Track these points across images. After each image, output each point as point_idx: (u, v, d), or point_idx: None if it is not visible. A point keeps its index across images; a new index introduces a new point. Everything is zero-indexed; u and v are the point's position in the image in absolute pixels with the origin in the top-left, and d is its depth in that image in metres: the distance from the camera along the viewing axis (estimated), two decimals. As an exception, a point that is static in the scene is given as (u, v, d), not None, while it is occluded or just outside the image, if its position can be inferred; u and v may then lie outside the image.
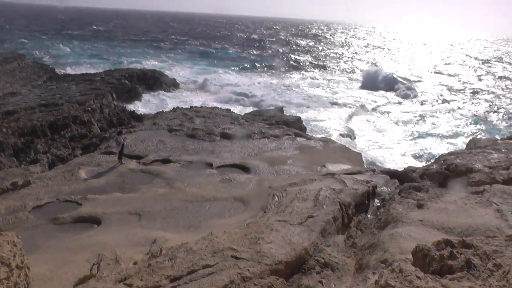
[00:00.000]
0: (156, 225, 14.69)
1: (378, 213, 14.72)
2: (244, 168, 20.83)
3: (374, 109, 57.98)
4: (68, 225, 15.06)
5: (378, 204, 16.75)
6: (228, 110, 36.42)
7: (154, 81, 58.97)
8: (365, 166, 23.61)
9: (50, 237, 14.15)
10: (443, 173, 16.93)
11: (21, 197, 17.40)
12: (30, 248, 13.10)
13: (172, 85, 61.54)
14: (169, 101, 53.17)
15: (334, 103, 58.49)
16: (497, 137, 33.72)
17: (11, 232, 14.60)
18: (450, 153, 20.90)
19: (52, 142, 27.96)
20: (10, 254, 8.76)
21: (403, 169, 21.07)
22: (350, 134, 41.03)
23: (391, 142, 41.04)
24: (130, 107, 43.76)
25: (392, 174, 19.93)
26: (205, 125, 28.94)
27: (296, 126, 31.57)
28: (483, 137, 33.74)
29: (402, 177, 19.37)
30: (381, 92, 70.66)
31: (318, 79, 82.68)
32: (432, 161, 25.60)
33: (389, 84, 74.94)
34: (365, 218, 15.10)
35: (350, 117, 50.68)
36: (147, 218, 15.23)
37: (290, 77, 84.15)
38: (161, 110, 36.72)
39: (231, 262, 9.21)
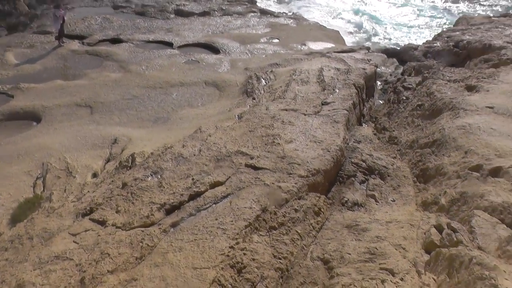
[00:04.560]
0: (114, 119, 11.74)
1: (391, 98, 12.30)
2: (212, 48, 17.73)
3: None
4: (-3, 124, 11.84)
5: (381, 87, 14.40)
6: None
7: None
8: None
9: (-25, 140, 11.00)
10: (452, 51, 14.50)
11: None
12: None
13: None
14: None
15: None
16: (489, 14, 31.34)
17: None
18: (452, 29, 18.35)
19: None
20: None
21: (402, 46, 18.58)
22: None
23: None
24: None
25: (389, 52, 17.46)
26: (156, 1, 25.14)
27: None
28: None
29: (401, 55, 16.94)
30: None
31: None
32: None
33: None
34: (376, 104, 12.75)
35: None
36: (100, 111, 12.20)
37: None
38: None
39: (250, 175, 6.56)
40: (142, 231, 5.40)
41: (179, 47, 17.84)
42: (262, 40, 19.13)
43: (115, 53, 16.78)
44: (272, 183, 6.34)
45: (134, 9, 23.59)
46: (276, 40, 19.29)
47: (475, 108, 8.43)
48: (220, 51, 17.44)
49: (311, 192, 6.48)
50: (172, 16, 22.68)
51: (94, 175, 8.57)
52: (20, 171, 9.01)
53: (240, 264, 4.69)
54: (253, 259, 4.81)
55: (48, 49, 17.20)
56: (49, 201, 7.74)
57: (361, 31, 26.52)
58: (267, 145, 7.61)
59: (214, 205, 5.88)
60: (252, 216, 5.49)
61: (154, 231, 5.35)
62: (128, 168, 7.66)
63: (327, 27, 23.36)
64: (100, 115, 11.93)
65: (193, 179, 6.47)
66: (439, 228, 5.10)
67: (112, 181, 7.16)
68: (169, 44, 18.03)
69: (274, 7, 29.64)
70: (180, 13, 23.21)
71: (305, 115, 9.38)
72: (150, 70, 15.10)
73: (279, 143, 7.69)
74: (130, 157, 8.08)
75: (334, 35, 21.26)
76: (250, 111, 10.12)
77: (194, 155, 7.33)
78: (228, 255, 4.76)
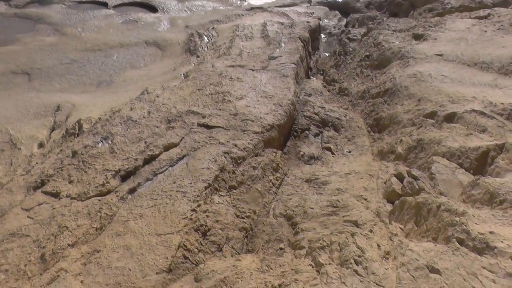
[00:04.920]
0: (54, 85, 11.26)
1: (336, 50, 12.37)
2: (149, 7, 17.10)
3: None
4: None
5: (326, 40, 14.44)
6: None
7: None
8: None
9: None
10: (395, 1, 14.59)
11: None
12: None
13: None
14: None
15: None
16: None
17: None
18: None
19: None
20: None
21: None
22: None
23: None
24: None
25: (331, 4, 17.39)
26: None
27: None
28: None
29: (343, 8, 16.92)
30: None
31: None
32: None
33: None
34: (322, 57, 12.80)
35: None
36: (39, 78, 11.66)
37: None
38: None
39: (203, 134, 6.50)
40: (99, 200, 5.33)
41: (114, 6, 17.09)
42: (200, -4, 18.63)
43: (47, 15, 15.92)
44: (227, 141, 6.36)
45: (61, -34, 22.20)
46: (214, -3, 18.83)
47: (424, 56, 8.64)
48: (158, 9, 16.87)
49: (267, 148, 6.56)
50: (104, -27, 21.57)
51: (41, 145, 8.28)
52: (-41, 147, 8.61)
53: (204, 227, 4.73)
54: (217, 221, 4.87)
55: (-28, 14, 16.15)
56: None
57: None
58: (218, 103, 7.57)
59: (170, 168, 5.85)
60: (211, 176, 5.52)
61: (112, 199, 5.29)
62: (76, 135, 7.44)
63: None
64: (39, 82, 11.41)
65: (145, 142, 6.39)
66: (400, 177, 5.25)
67: (61, 150, 6.96)
68: (104, 4, 17.23)
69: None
70: (111, -31, 22.07)
71: (253, 70, 9.36)
72: (87, 32, 14.48)
73: (230, 100, 7.67)
74: (77, 123, 7.83)
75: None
76: (196, 70, 9.97)
77: (144, 117, 7.21)
78: (191, 219, 4.79)
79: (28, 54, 12.89)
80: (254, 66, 9.61)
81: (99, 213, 5.09)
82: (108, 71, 11.96)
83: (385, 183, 5.40)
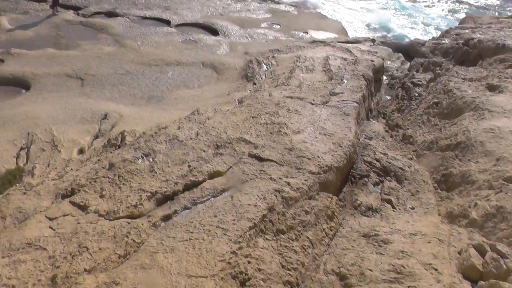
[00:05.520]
0: (105, 93, 11.04)
1: (399, 94, 11.66)
2: (210, 29, 16.98)
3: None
4: (-16, 88, 11.15)
5: (387, 82, 13.77)
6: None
7: None
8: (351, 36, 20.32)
9: (-42, 104, 10.31)
10: (462, 49, 13.83)
11: None
12: None
13: None
14: None
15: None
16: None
17: None
18: (460, 27, 17.62)
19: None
20: None
21: (409, 41, 17.91)
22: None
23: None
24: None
25: (395, 46, 16.79)
26: (155, -22, 24.23)
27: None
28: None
29: (408, 50, 16.26)
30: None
31: None
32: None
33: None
34: (383, 100, 12.12)
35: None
36: (92, 84, 11.49)
37: None
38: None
39: (254, 167, 5.89)
40: (128, 223, 4.74)
41: (177, 25, 17.09)
42: (262, 25, 18.44)
43: (110, 26, 16.03)
44: (280, 178, 5.69)
45: (131, -15, 22.67)
46: (277, 26, 18.61)
47: (501, 109, 7.77)
48: (219, 33, 16.73)
49: (322, 192, 5.86)
50: (170, -6, 21.87)
51: (81, 151, 7.94)
52: (3, 139, 8.42)
53: (243, 274, 4.03)
54: (259, 269, 4.15)
55: (42, 17, 16.51)
56: (31, 175, 7.13)
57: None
58: (273, 134, 6.96)
59: (212, 198, 5.22)
60: (257, 215, 4.85)
61: (142, 224, 4.69)
62: (117, 147, 6.99)
63: (329, 16, 22.77)
64: (91, 88, 11.23)
65: (189, 166, 5.80)
66: (480, 249, 4.43)
67: (99, 160, 6.49)
68: (167, 22, 17.28)
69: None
70: (178, -9, 22.38)
71: (312, 104, 8.75)
72: (146, 46, 14.38)
73: (286, 133, 7.04)
74: (120, 135, 7.40)
75: (336, 26, 20.62)
76: (252, 96, 9.48)
77: (191, 138, 6.67)
78: (229, 263, 4.11)
79: (86, 60, 12.84)
80: (314, 100, 9.01)
81: (125, 238, 4.49)
82: (161, 87, 11.67)
83: (459, 254, 4.58)
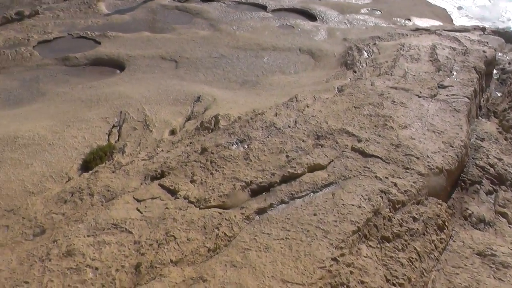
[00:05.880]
0: (199, 76, 10.79)
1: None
2: (308, 15, 16.27)
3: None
4: (82, 68, 11.35)
5: (498, 76, 12.37)
6: None
7: None
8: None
9: (58, 81, 10.58)
10: None
11: (25, 28, 13.62)
12: (32, 95, 9.90)
13: None
14: None
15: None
16: None
17: (11, 70, 11.46)
18: None
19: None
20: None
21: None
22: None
23: None
24: None
25: (509, 36, 15.15)
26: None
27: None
28: None
29: (523, 41, 14.65)
30: None
31: None
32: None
33: None
34: (493, 96, 10.86)
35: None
36: (186, 67, 11.30)
37: None
38: None
39: (357, 162, 5.23)
40: (220, 213, 4.28)
41: (273, 10, 16.54)
42: (362, 11, 17.38)
43: (205, 10, 15.86)
44: (385, 177, 4.99)
45: (226, -29, 22.51)
46: (378, 12, 17.48)
47: None
48: (317, 18, 15.97)
49: (430, 197, 5.08)
50: (267, -20, 21.39)
51: (172, 132, 7.67)
52: (97, 117, 8.40)
53: (345, 287, 3.43)
54: (361, 282, 3.51)
55: (138, 2, 16.71)
56: (122, 152, 6.99)
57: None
58: (377, 128, 6.24)
59: (312, 194, 4.63)
60: (361, 218, 4.20)
61: (235, 216, 4.21)
62: (210, 130, 6.60)
63: (432, 3, 21.14)
64: (185, 71, 11.03)
65: (287, 156, 5.25)
66: None
67: (191, 142, 6.13)
68: (263, 7, 16.78)
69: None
70: (274, -23, 21.86)
71: (419, 97, 7.88)
72: (241, 30, 14.00)
73: (391, 127, 6.28)
74: (214, 118, 7.02)
75: (441, 13, 19.02)
76: (353, 85, 8.75)
77: (289, 126, 6.11)
78: (329, 271, 3.50)
79: (180, 43, 12.71)
80: (420, 92, 8.12)
81: (216, 230, 4.03)
82: (256, 71, 11.23)
83: None
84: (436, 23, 16.59)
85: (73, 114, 8.61)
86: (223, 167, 5.13)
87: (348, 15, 16.47)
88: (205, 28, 14.29)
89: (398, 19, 16.67)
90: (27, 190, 6.41)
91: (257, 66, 11.54)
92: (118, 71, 11.24)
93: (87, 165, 6.88)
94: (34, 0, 16.83)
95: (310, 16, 16.15)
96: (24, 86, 10.33)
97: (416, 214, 4.65)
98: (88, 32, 13.25)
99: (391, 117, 6.71)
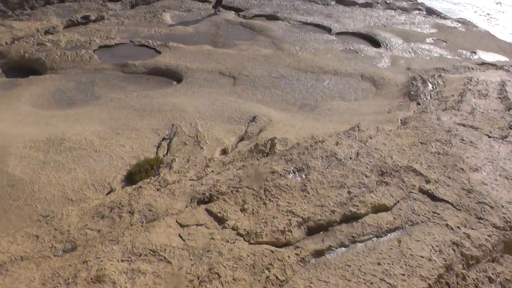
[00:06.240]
0: (256, 95, 10.40)
1: None
2: (372, 40, 15.71)
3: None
4: (139, 76, 11.24)
5: None
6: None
7: None
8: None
9: (114, 87, 10.49)
10: None
11: (89, 32, 13.75)
12: (86, 97, 9.81)
13: None
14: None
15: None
16: None
17: (68, 71, 11.46)
18: None
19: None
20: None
21: None
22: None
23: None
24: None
25: None
26: (318, -13, 23.63)
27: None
28: None
29: None
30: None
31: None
32: None
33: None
34: None
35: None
36: (244, 84, 10.96)
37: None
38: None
39: (426, 206, 4.60)
40: (272, 251, 3.75)
41: (337, 33, 16.08)
42: (427, 40, 16.65)
43: (269, 29, 15.58)
44: (457, 226, 4.33)
45: (294, -9, 22.29)
46: (443, 43, 16.69)
47: None
48: (381, 44, 15.37)
49: (506, 254, 4.38)
50: (333, 3, 20.94)
51: (224, 152, 7.28)
52: (148, 127, 8.15)
53: None
54: None
55: (204, 15, 16.67)
56: (169, 167, 6.63)
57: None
58: (447, 168, 5.58)
59: (375, 238, 4.04)
60: (432, 274, 3.58)
61: (289, 256, 3.67)
62: (265, 154, 6.12)
63: (499, 37, 20.11)
64: (243, 88, 10.68)
65: (349, 192, 4.68)
66: None
67: (243, 165, 5.66)
68: (327, 29, 16.36)
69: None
70: (341, 1, 21.43)
71: (489, 137, 7.19)
72: (304, 51, 13.59)
73: (462, 169, 5.61)
74: (270, 141, 6.53)
75: (507, 48, 18.00)
76: (417, 118, 8.12)
77: (351, 158, 5.55)
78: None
79: (241, 60, 12.43)
80: (490, 132, 7.44)
81: (266, 271, 3.51)
82: (315, 95, 10.74)
83: None
84: (502, 58, 15.70)
85: (124, 122, 8.39)
86: (277, 198, 4.61)
87: (412, 44, 15.79)
88: (267, 46, 13.98)
89: (464, 51, 15.85)
90: (66, 196, 6.16)
91: (317, 89, 11.06)
92: (175, 83, 11.05)
93: (131, 177, 6.58)
94: (102, 6, 17.16)
95: (374, 42, 15.58)
96: (79, 88, 10.28)
97: (492, 274, 3.98)
98: (150, 41, 13.20)
99: (460, 157, 6.05)
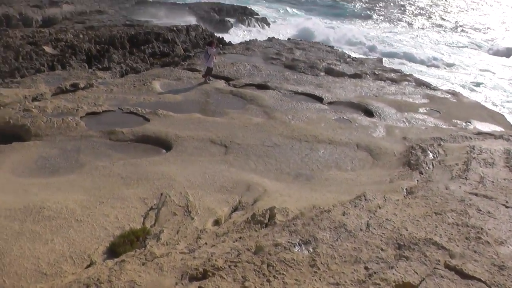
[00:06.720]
0: (249, 164, 9.95)
1: None
2: (364, 110, 15.61)
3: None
4: (127, 144, 10.77)
5: None
6: (332, 47, 31.45)
7: (244, 17, 53.55)
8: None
9: (100, 155, 9.98)
10: None
11: (77, 99, 13.42)
12: (70, 165, 9.31)
13: (263, 22, 55.52)
14: (261, 37, 47.55)
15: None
16: None
17: (53, 138, 10.93)
18: None
19: (130, 55, 24.07)
20: None
21: None
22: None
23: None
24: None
25: None
26: (307, 57, 24.12)
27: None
28: None
29: None
30: None
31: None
32: None
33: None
34: None
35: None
36: (236, 153, 10.51)
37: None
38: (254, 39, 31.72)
39: (456, 284, 4.05)
40: None
41: (329, 103, 15.99)
42: (420, 110, 16.62)
43: (260, 97, 15.42)
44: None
45: (283, 62, 22.45)
46: (437, 113, 16.66)
47: None
48: (374, 114, 15.25)
49: None
50: (322, 73, 21.18)
51: (216, 223, 6.68)
52: (135, 196, 7.59)
53: None
54: None
55: (193, 84, 16.56)
56: (157, 239, 6.00)
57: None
58: (470, 241, 5.08)
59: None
60: None
61: None
62: (264, 225, 5.56)
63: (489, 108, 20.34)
64: (235, 157, 10.23)
65: (366, 267, 4.12)
66: None
67: (240, 237, 5.09)
68: (319, 99, 16.28)
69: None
70: (330, 72, 21.71)
71: (506, 207, 6.79)
72: (297, 120, 13.33)
73: (487, 242, 5.13)
74: (268, 211, 5.99)
75: (500, 118, 18.08)
76: (424, 187, 7.74)
77: (361, 229, 5.03)
78: None
79: (232, 128, 12.09)
80: (507, 202, 7.09)
81: None
82: (311, 164, 10.33)
83: None
84: (497, 128, 15.65)
85: (109, 190, 7.83)
86: (283, 274, 4.02)
87: (406, 114, 15.71)
88: (258, 115, 13.71)
89: (458, 121, 15.81)
90: (40, 270, 5.48)
91: (312, 159, 10.66)
92: (164, 151, 10.60)
93: (114, 249, 5.95)
94: (92, 75, 17.03)
95: (367, 111, 15.47)
96: (63, 155, 9.75)
97: None
98: (139, 109, 12.87)
99: (482, 229, 5.59)
